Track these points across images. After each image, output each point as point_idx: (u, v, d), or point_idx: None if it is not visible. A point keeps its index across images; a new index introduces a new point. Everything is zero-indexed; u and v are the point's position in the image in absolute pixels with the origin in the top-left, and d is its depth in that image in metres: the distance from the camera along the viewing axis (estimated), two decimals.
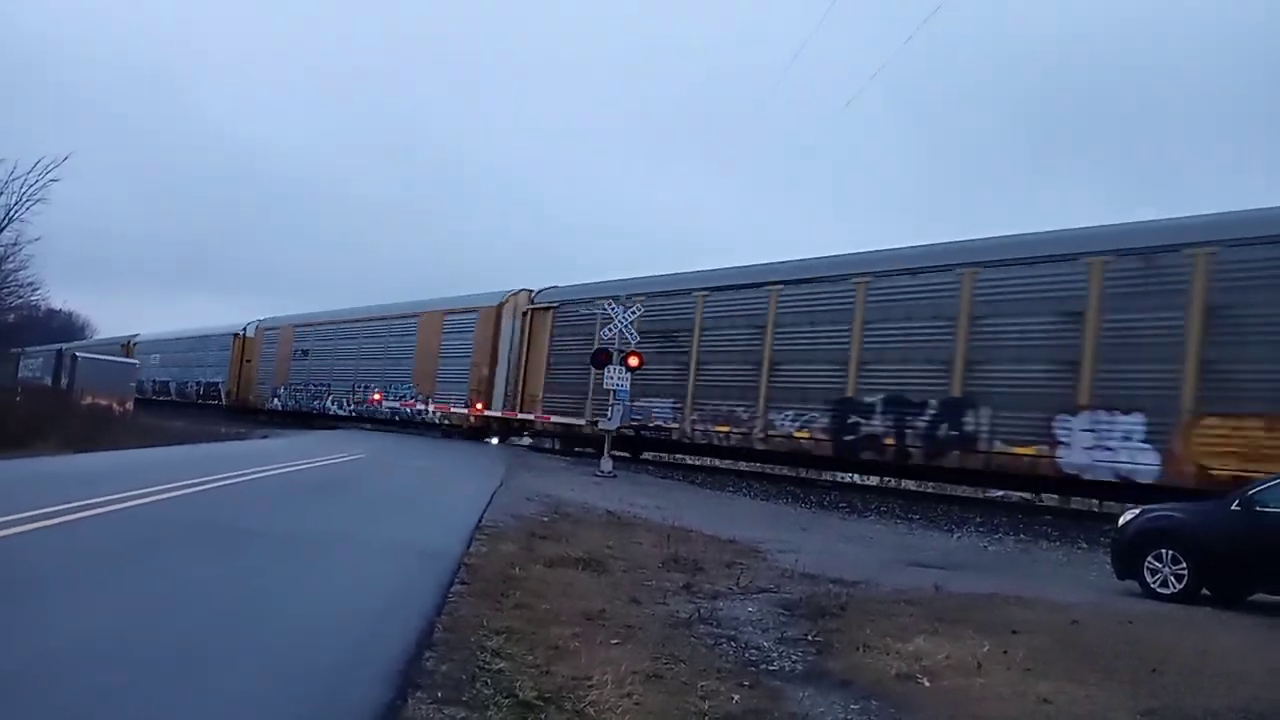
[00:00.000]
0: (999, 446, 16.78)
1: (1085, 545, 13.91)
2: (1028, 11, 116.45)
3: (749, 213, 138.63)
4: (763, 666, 5.76)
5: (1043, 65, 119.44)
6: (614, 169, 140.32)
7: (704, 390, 22.75)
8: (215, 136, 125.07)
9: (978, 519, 16.83)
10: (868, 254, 20.28)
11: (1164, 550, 9.72)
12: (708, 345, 22.82)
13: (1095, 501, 18.58)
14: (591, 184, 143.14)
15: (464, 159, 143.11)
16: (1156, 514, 10.27)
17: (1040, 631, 7.04)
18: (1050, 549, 14.13)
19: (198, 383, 48.76)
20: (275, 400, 42.41)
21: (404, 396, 34.24)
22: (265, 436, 30.79)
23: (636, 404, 23.79)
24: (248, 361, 44.89)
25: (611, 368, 21.54)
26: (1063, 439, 15.82)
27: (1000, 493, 20.78)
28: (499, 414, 30.02)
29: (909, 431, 18.24)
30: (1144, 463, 14.86)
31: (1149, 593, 9.66)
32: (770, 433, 21.05)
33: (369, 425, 36.73)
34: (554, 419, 27.44)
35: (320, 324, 40.58)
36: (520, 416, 29.07)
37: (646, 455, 27.59)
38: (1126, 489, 15.41)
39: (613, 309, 22.38)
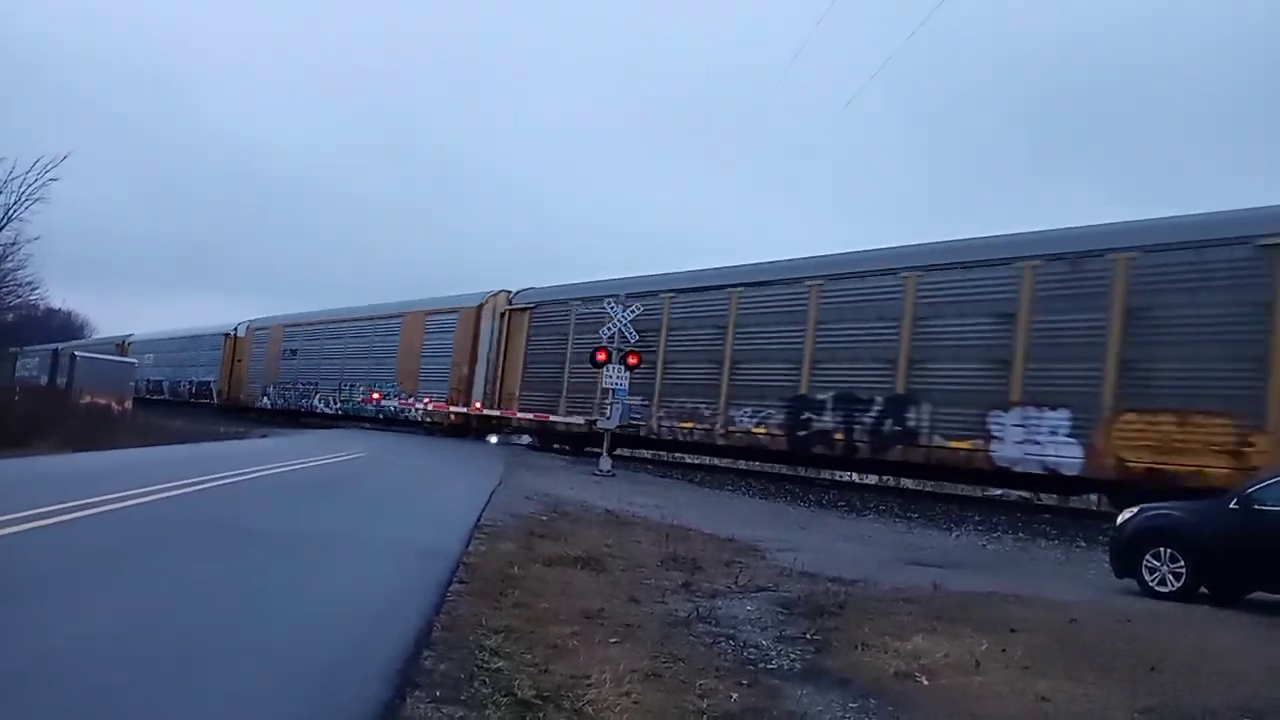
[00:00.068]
0: (938, 441, 17.71)
1: (1084, 544, 13.92)
2: (1028, 11, 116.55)
3: (749, 213, 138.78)
4: (761, 665, 5.76)
5: (1043, 65, 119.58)
6: (614, 169, 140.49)
7: (670, 388, 23.68)
8: (215, 136, 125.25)
9: (976, 518, 16.85)
10: (820, 258, 21.29)
11: (1162, 549, 9.73)
12: (674, 345, 23.73)
13: (1094, 500, 18.70)
14: (591, 184, 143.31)
15: (464, 159, 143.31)
16: (1155, 512, 10.27)
17: (1039, 630, 7.05)
18: (1049, 547, 14.14)
19: (190, 382, 49.48)
20: (265, 399, 43.08)
21: (388, 395, 34.98)
22: (264, 436, 30.78)
23: (607, 402, 24.23)
24: (238, 361, 45.69)
25: (610, 367, 21.56)
26: (996, 434, 16.75)
27: (999, 491, 20.81)
28: (478, 411, 30.73)
29: (857, 427, 19.15)
30: (1068, 456, 15.77)
31: (1147, 591, 9.67)
32: (730, 429, 21.97)
33: (357, 424, 37.24)
34: (530, 416, 28.37)
35: (308, 324, 41.42)
36: (498, 413, 29.81)
37: (645, 454, 27.81)
38: (1053, 481, 16.64)
39: (611, 308, 22.41)
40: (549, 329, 28.31)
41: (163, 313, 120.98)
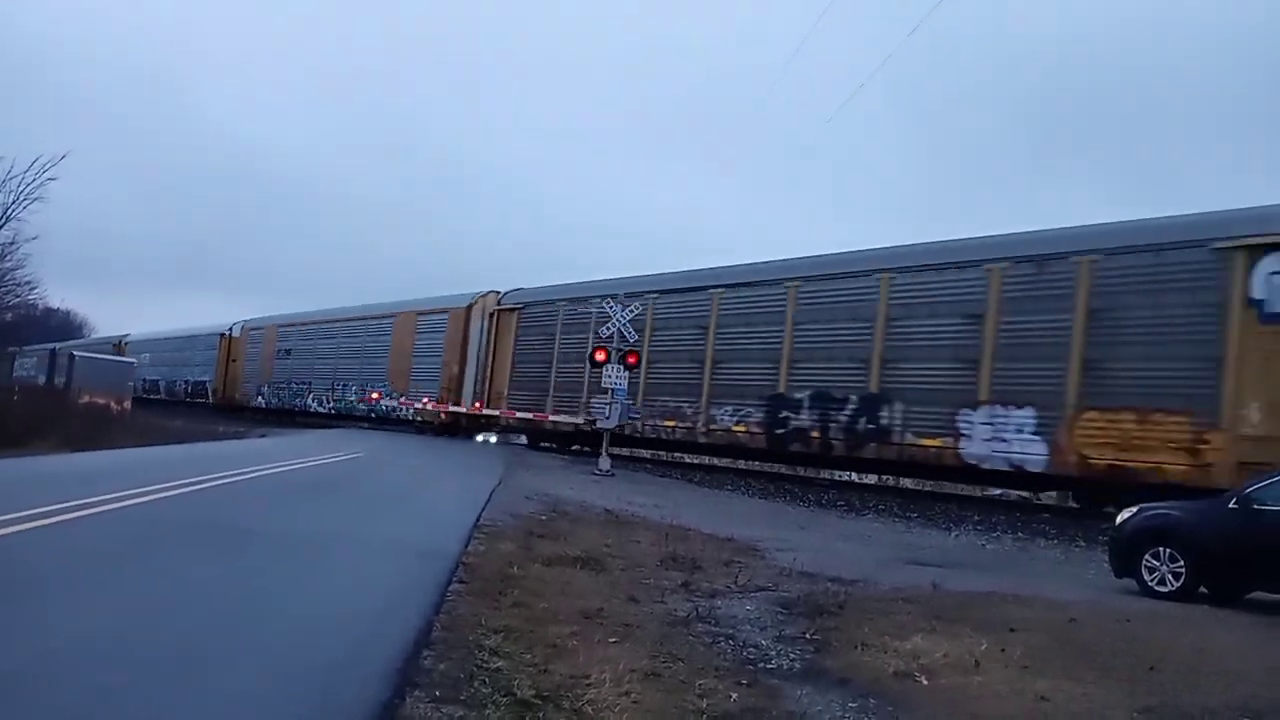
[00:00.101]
0: (910, 439, 18.21)
1: (1083, 543, 13.93)
2: (1028, 11, 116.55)
3: (749, 213, 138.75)
4: (761, 665, 5.77)
5: (1043, 65, 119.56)
6: (614, 169, 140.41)
7: (653, 388, 24.12)
8: (215, 136, 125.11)
9: (976, 517, 16.85)
10: (797, 260, 21.77)
11: (1161, 548, 9.74)
12: (657, 345, 24.10)
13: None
14: (591, 184, 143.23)
15: (464, 159, 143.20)
16: (1154, 512, 10.28)
17: (1038, 629, 7.05)
18: (1048, 547, 14.15)
19: (186, 381, 49.94)
20: (259, 398, 43.49)
21: (367, 394, 35.69)
22: (263, 436, 30.77)
23: (593, 401, 24.95)
24: (233, 361, 46.18)
25: (610, 366, 21.56)
26: (965, 431, 17.24)
27: (999, 491, 20.84)
28: (468, 410, 31.18)
29: (832, 425, 19.67)
30: (1034, 453, 16.25)
31: (1147, 591, 9.68)
32: (711, 427, 22.48)
33: (349, 423, 37.67)
34: (519, 415, 28.80)
35: (302, 324, 41.94)
36: (487, 412, 30.26)
37: (644, 454, 27.95)
38: (1019, 477, 17.17)
39: (611, 308, 22.45)
40: (536, 329, 28.86)
41: (162, 312, 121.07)
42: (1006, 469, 16.88)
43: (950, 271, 18.09)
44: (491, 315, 30.81)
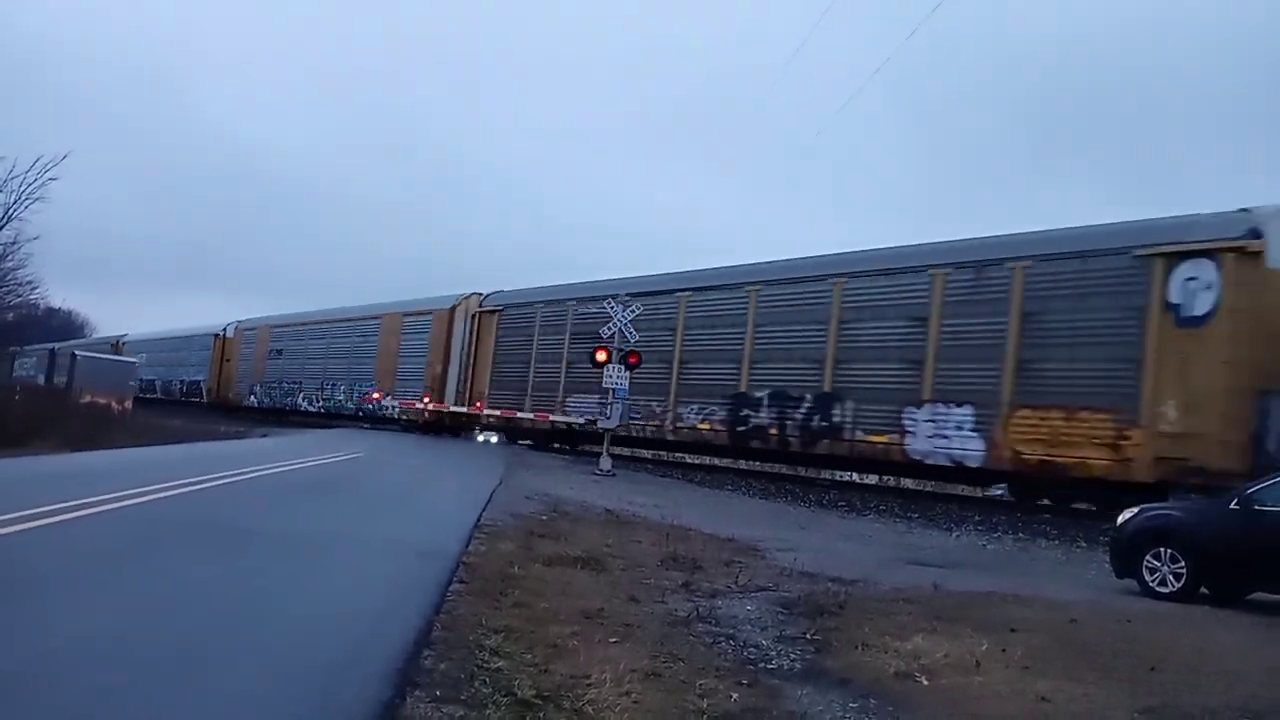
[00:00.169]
0: (860, 435, 19.18)
1: (1084, 544, 13.92)
2: (1028, 11, 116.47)
3: (749, 213, 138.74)
4: (761, 665, 5.76)
5: (1043, 65, 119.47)
6: (614, 169, 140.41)
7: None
8: (215, 136, 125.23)
9: (976, 518, 16.85)
10: (759, 265, 22.85)
11: (1162, 549, 9.72)
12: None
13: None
14: (591, 184, 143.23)
15: (464, 159, 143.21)
16: (1155, 513, 10.28)
17: (1039, 630, 7.05)
18: (1049, 547, 14.14)
19: (181, 381, 50.90)
20: (252, 398, 44.31)
21: (367, 393, 36.46)
22: (264, 435, 30.79)
23: (569, 400, 26.21)
24: (228, 361, 47.18)
25: (611, 366, 21.56)
26: (910, 428, 18.19)
27: (999, 490, 20.83)
28: (450, 409, 32.05)
29: (789, 423, 20.68)
30: (972, 449, 17.21)
31: (1147, 591, 9.67)
32: (679, 425, 23.55)
33: (338, 421, 38.34)
34: (498, 413, 29.81)
35: (293, 325, 42.90)
36: (469, 411, 31.16)
37: (645, 454, 28.06)
38: (959, 472, 18.14)
39: (612, 308, 22.47)
40: (516, 331, 29.79)
41: (163, 312, 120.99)
42: (948, 464, 17.81)
43: (897, 277, 19.05)
44: (474, 317, 31.68)
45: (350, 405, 37.51)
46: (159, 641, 4.86)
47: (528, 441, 29.86)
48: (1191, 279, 14.67)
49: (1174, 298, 14.82)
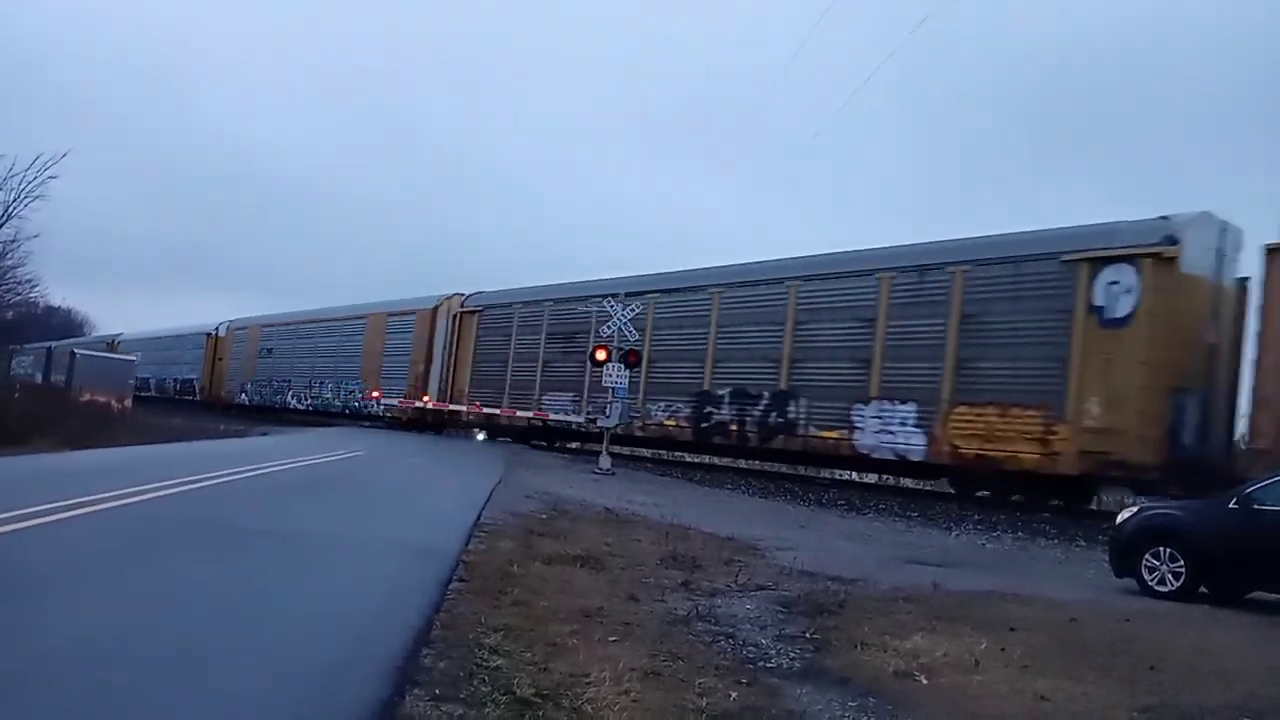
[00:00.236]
0: (813, 431, 20.26)
1: (1083, 543, 13.93)
2: (1028, 11, 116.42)
3: (749, 213, 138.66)
4: (760, 664, 5.77)
5: (1043, 65, 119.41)
6: (614, 169, 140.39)
7: (597, 385, 25.11)
8: (215, 136, 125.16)
9: (976, 517, 16.85)
10: (722, 268, 23.79)
11: (1162, 548, 9.73)
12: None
13: (1093, 499, 18.78)
14: (591, 184, 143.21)
15: (464, 159, 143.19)
16: (1154, 512, 10.28)
17: (1038, 629, 7.05)
18: (1048, 546, 14.14)
19: (175, 379, 51.81)
20: (243, 396, 45.11)
21: (353, 391, 37.41)
22: (265, 434, 30.79)
23: (545, 397, 27.25)
24: (220, 359, 48.10)
25: (611, 365, 21.56)
26: (858, 424, 19.23)
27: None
28: (433, 406, 32.77)
29: (748, 419, 21.72)
30: (915, 444, 18.21)
31: (1147, 591, 9.68)
32: (647, 422, 24.50)
33: (329, 420, 38.95)
34: (478, 410, 30.68)
35: (283, 324, 43.72)
36: (450, 408, 32.01)
37: (644, 453, 28.23)
38: (903, 465, 19.16)
39: (612, 307, 22.52)
40: (495, 330, 30.78)
41: (162, 312, 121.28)
42: (892, 458, 18.82)
43: (848, 280, 20.05)
44: (455, 317, 32.58)
45: (337, 403, 38.38)
46: (159, 641, 4.86)
47: (507, 438, 30.71)
48: (1114, 283, 15.55)
49: (1098, 300, 15.69)
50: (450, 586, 6.85)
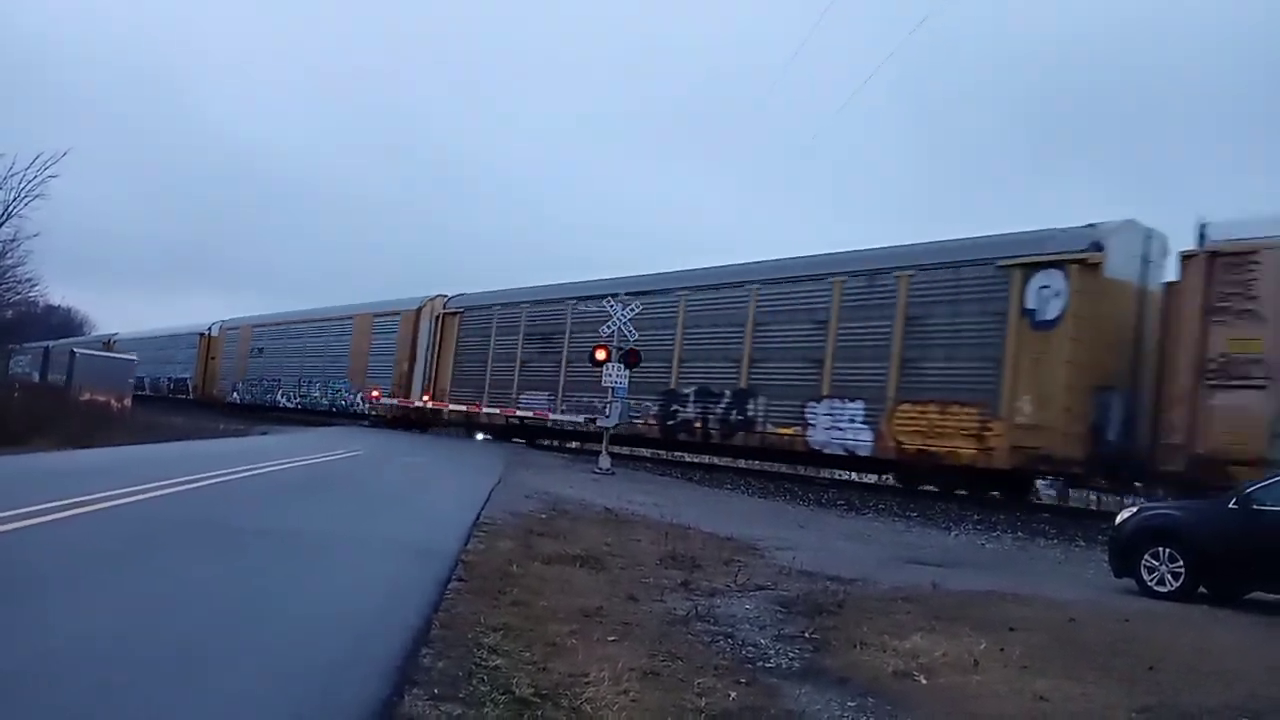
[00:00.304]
0: (770, 428, 21.16)
1: (1083, 543, 13.94)
2: (1028, 11, 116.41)
3: (749, 213, 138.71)
4: (760, 664, 5.77)
5: (1043, 65, 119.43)
6: (614, 169, 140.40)
7: (571, 385, 26.97)
8: (215, 136, 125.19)
9: (975, 517, 16.86)
10: (687, 272, 24.89)
11: (1161, 548, 9.73)
12: (574, 346, 26.78)
13: (1093, 499, 18.86)
14: (591, 184, 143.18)
15: (464, 159, 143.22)
16: (1154, 512, 10.29)
17: (1037, 629, 7.06)
18: (1048, 546, 14.15)
19: (169, 379, 52.37)
20: (235, 394, 45.86)
21: (340, 390, 38.25)
22: (264, 434, 30.79)
23: (523, 396, 27.99)
24: (212, 359, 48.95)
25: (610, 365, 21.56)
26: (811, 421, 20.11)
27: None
28: (415, 404, 33.50)
29: (711, 417, 22.63)
30: (863, 440, 19.04)
31: (1146, 591, 9.68)
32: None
33: (318, 419, 39.39)
34: (459, 408, 31.56)
35: (273, 324, 44.50)
36: (432, 406, 32.67)
37: (644, 453, 28.31)
38: (852, 460, 20.14)
39: (612, 307, 22.51)
40: (475, 331, 31.69)
41: (162, 311, 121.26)
42: (842, 453, 19.67)
43: (804, 284, 20.95)
44: (438, 318, 33.34)
45: (324, 401, 39.14)
46: (159, 641, 4.86)
47: (487, 435, 31.83)
48: (1045, 287, 16.34)
49: (1030, 303, 16.49)
50: (449, 586, 6.85)
